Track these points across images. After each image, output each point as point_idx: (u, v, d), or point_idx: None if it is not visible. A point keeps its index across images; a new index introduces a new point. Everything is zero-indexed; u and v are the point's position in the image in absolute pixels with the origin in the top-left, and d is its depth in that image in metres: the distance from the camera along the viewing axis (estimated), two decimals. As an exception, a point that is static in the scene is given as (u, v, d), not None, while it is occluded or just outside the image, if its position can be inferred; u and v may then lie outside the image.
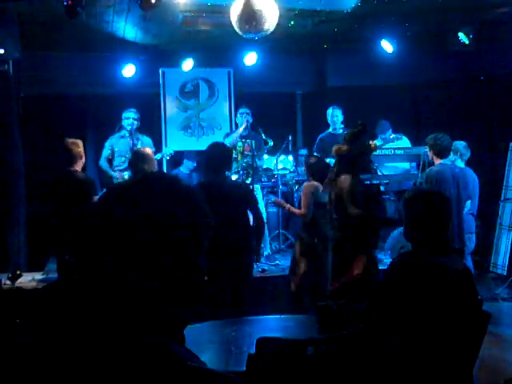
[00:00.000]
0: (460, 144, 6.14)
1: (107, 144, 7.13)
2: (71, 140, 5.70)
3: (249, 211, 4.86)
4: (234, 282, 4.69)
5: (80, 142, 5.70)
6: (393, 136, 7.25)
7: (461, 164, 6.10)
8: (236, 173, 6.97)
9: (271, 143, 7.12)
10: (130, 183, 1.19)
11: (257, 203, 5.05)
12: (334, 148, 4.58)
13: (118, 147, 7.03)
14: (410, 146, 7.37)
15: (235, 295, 4.69)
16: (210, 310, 4.24)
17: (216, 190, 4.47)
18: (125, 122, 7.04)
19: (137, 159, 5.41)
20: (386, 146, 7.11)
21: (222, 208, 4.18)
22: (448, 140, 5.52)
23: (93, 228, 1.12)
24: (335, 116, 7.41)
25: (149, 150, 5.66)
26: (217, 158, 4.71)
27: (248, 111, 7.21)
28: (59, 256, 5.39)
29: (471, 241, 6.03)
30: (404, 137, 7.41)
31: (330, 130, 7.47)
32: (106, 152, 7.11)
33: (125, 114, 7.06)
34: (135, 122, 7.04)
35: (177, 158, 8.07)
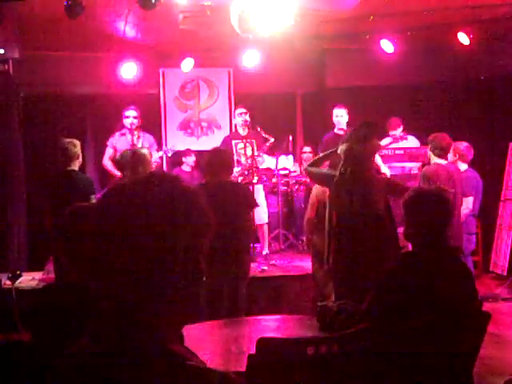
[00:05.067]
0: (460, 145, 6.13)
1: (109, 143, 7.12)
2: (68, 140, 5.69)
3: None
4: (231, 283, 4.69)
5: (77, 142, 5.69)
6: (401, 135, 7.26)
7: (463, 165, 6.09)
8: (241, 175, 6.96)
9: (272, 139, 7.10)
10: (131, 185, 1.17)
11: (254, 206, 5.05)
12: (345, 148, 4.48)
13: (120, 145, 7.02)
14: (417, 146, 7.33)
15: (232, 296, 4.69)
16: (207, 310, 4.27)
17: (213, 190, 4.49)
18: (126, 121, 7.03)
19: (133, 160, 5.39)
20: (391, 145, 7.10)
21: (220, 209, 4.23)
22: (446, 139, 5.51)
23: (86, 231, 1.12)
24: (340, 116, 7.29)
25: (146, 151, 5.65)
26: (214, 161, 4.80)
27: (245, 110, 7.19)
28: (56, 256, 5.38)
29: (471, 242, 6.02)
30: (411, 137, 7.39)
31: (335, 130, 7.39)
32: (108, 151, 7.08)
33: (125, 113, 7.06)
34: (136, 120, 7.04)
35: (177, 158, 8.07)
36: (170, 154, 7.52)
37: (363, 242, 4.25)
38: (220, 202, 4.25)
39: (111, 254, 1.07)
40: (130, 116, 7.02)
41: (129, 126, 6.99)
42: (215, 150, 5.16)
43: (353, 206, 4.31)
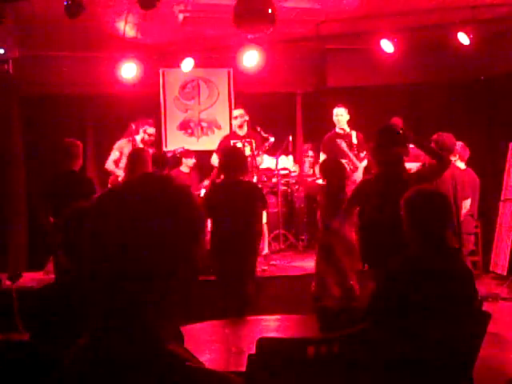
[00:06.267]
0: (457, 145, 6.13)
1: (116, 146, 7.05)
2: (69, 140, 5.70)
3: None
4: (240, 281, 4.73)
5: (78, 143, 5.69)
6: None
7: (461, 164, 6.09)
8: None
9: (272, 139, 7.08)
10: (124, 186, 1.18)
11: (263, 202, 5.13)
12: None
13: (127, 150, 6.96)
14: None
15: (241, 294, 4.72)
16: (219, 309, 4.32)
17: (226, 189, 4.73)
18: (143, 137, 7.01)
19: (134, 160, 5.42)
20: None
21: (230, 206, 4.64)
22: (451, 139, 5.50)
23: (81, 230, 1.12)
24: (340, 115, 7.31)
25: (147, 151, 5.67)
26: (227, 160, 4.94)
27: (243, 112, 7.17)
28: (56, 257, 5.39)
29: (469, 242, 6.03)
30: None
31: (336, 129, 7.38)
32: (114, 155, 6.97)
33: (147, 130, 7.04)
34: (152, 138, 7.09)
35: (176, 159, 8.07)
36: (178, 154, 7.53)
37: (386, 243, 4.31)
38: (233, 200, 4.47)
39: (110, 254, 1.07)
40: (150, 133, 7.04)
41: (145, 143, 6.98)
42: (230, 150, 5.28)
43: (383, 209, 4.36)
